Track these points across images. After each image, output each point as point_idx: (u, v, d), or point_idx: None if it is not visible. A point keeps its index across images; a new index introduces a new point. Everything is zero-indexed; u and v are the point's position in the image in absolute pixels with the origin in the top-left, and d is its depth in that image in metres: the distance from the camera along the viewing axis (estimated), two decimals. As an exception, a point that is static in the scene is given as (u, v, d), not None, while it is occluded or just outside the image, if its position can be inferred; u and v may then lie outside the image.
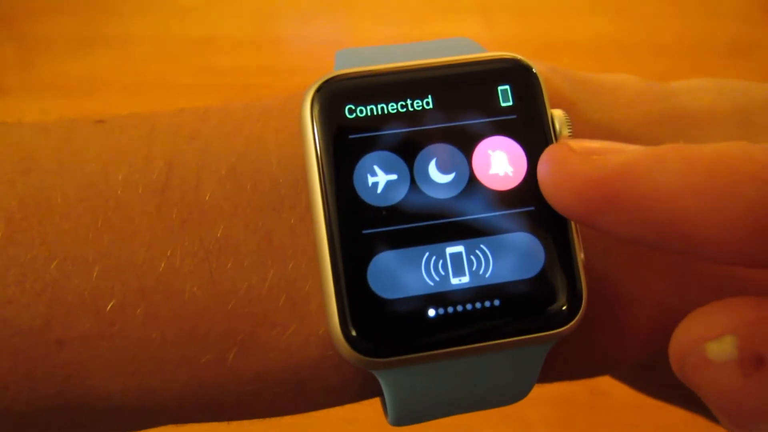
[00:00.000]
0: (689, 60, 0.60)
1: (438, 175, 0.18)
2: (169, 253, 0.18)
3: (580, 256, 0.18)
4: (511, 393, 0.18)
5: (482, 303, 0.17)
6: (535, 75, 0.19)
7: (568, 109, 0.20)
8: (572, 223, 0.18)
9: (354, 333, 0.17)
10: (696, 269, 0.20)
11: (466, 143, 0.18)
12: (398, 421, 0.18)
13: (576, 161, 0.17)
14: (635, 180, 0.16)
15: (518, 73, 0.19)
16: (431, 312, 0.17)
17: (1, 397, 0.17)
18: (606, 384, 0.45)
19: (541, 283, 0.17)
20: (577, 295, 0.18)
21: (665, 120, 0.22)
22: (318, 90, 0.18)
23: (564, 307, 0.17)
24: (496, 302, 0.17)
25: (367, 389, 0.19)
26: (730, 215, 0.15)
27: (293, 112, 0.19)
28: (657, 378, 0.24)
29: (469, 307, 0.17)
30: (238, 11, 0.61)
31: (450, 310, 0.17)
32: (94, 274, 0.17)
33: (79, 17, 0.61)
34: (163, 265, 0.18)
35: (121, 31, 0.60)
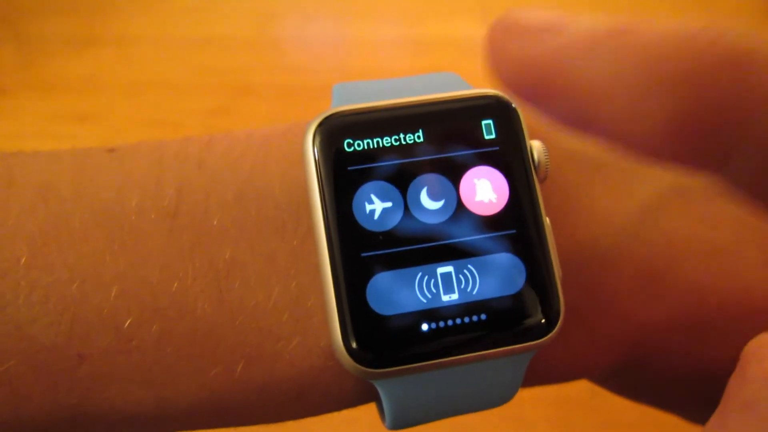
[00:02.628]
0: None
1: (429, 202, 0.20)
2: (181, 274, 0.19)
3: (558, 273, 0.20)
4: (497, 397, 0.20)
5: (470, 317, 0.19)
6: (514, 110, 0.21)
7: (544, 137, 0.21)
8: (552, 244, 0.20)
9: (355, 346, 0.18)
10: (663, 279, 0.22)
11: (454, 173, 0.20)
12: (395, 426, 0.20)
13: (513, 41, 0.19)
14: (564, 67, 0.17)
15: (499, 109, 0.21)
16: (424, 326, 0.19)
17: (25, 408, 0.18)
18: (606, 384, 0.45)
19: (522, 298, 0.19)
20: (555, 309, 0.19)
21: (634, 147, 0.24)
22: (320, 125, 0.20)
23: (543, 320, 0.19)
24: (483, 316, 0.19)
25: (364, 396, 0.20)
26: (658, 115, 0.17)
27: (293, 141, 0.21)
28: (631, 380, 0.26)
29: (458, 321, 0.19)
30: (238, 11, 0.61)
31: (441, 324, 0.19)
32: (112, 294, 0.18)
33: (79, 17, 0.61)
34: (176, 285, 0.19)
35: (121, 31, 0.60)
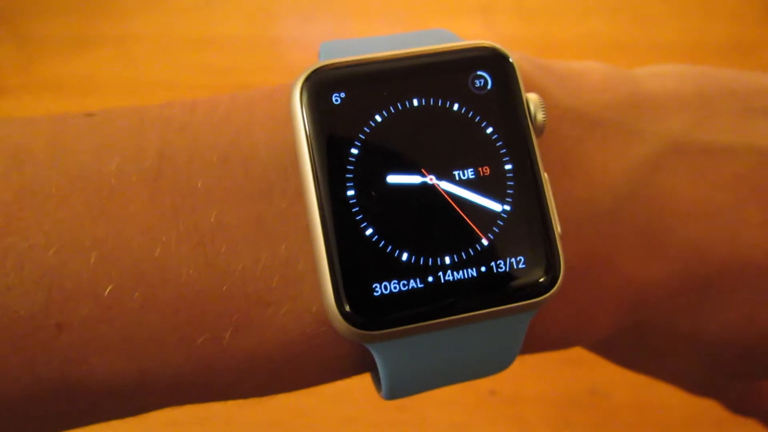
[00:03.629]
0: (689, 60, 0.59)
1: (423, 158, 0.19)
2: (164, 239, 0.18)
3: (558, 229, 0.19)
4: (497, 361, 0.20)
5: (467, 275, 0.19)
6: (510, 62, 0.20)
7: (539, 93, 0.21)
8: (550, 199, 0.19)
9: (348, 308, 0.18)
10: (662, 239, 0.22)
11: (449, 126, 0.19)
12: (391, 394, 0.19)
13: None
14: None
15: (495, 61, 0.20)
16: (420, 285, 0.18)
17: (2, 382, 0.17)
18: (606, 384, 0.45)
19: (521, 254, 0.19)
20: (555, 266, 0.19)
21: (631, 103, 0.23)
22: (306, 79, 0.19)
23: (543, 277, 0.19)
24: (481, 274, 0.19)
25: (360, 363, 0.20)
26: None
27: (279, 102, 0.20)
28: (631, 345, 0.25)
29: (455, 278, 0.18)
30: (238, 11, 0.61)
31: (438, 283, 0.18)
32: (92, 260, 0.18)
33: (79, 17, 0.61)
34: (158, 250, 0.18)
35: (121, 31, 0.60)
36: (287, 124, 0.19)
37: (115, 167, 0.19)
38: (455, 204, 0.19)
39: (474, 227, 0.19)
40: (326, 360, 0.19)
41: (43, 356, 0.17)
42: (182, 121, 0.20)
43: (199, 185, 0.19)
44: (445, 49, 0.20)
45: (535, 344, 0.21)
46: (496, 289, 0.19)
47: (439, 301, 0.18)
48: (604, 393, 0.46)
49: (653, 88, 0.24)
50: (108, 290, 0.18)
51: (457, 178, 0.19)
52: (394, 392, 0.19)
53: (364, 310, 0.18)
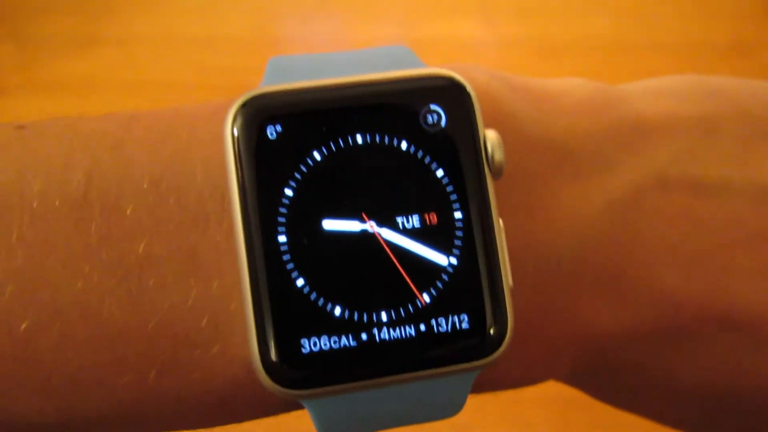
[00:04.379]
0: (689, 60, 0.60)
1: (362, 201, 0.17)
2: (86, 271, 0.17)
3: (509, 283, 0.18)
4: (441, 412, 0.18)
5: (405, 335, 0.17)
6: (468, 95, 0.18)
7: (505, 121, 0.19)
8: (503, 251, 0.18)
9: (274, 365, 0.17)
10: (632, 284, 0.20)
11: (393, 167, 0.18)
12: None
13: None
14: None
15: (451, 93, 0.18)
16: (353, 342, 0.17)
17: None
18: (606, 384, 0.44)
19: (465, 312, 0.17)
20: (501, 326, 0.17)
21: (613, 131, 0.21)
22: (242, 107, 0.17)
23: (487, 339, 0.17)
24: (420, 332, 0.17)
25: (294, 405, 0.18)
26: None
27: (222, 123, 0.18)
28: (596, 385, 0.23)
29: (391, 336, 0.17)
30: (238, 11, 0.61)
31: (372, 341, 0.17)
32: (7, 293, 0.17)
33: (79, 17, 0.61)
34: (80, 284, 0.17)
35: (121, 31, 0.60)
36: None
37: (37, 189, 0.17)
38: (397, 255, 0.17)
39: (414, 283, 0.17)
40: (259, 402, 0.18)
41: None
42: (116, 137, 0.18)
43: (128, 212, 0.17)
44: (397, 78, 0.18)
45: (497, 384, 0.20)
46: (435, 350, 0.17)
47: (373, 361, 0.17)
48: (604, 393, 0.46)
49: (645, 111, 0.21)
50: (23, 326, 0.16)
51: (400, 226, 0.17)
52: None
53: (291, 368, 0.17)
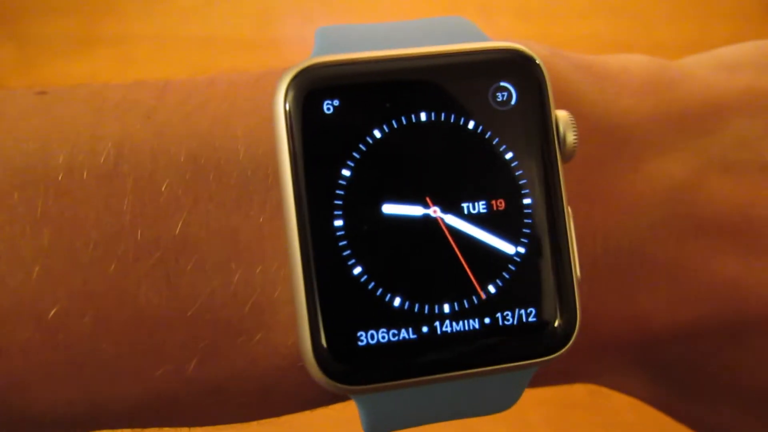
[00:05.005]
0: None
1: (426, 184, 0.16)
2: (120, 253, 0.15)
3: (577, 275, 0.17)
4: (493, 408, 0.17)
5: (468, 328, 0.16)
6: (540, 71, 0.16)
7: (567, 101, 0.18)
8: (572, 240, 0.16)
9: (327, 359, 0.15)
10: (693, 276, 0.19)
11: (458, 148, 0.16)
12: (373, 431, 0.17)
13: None
14: None
15: (523, 69, 0.16)
16: (412, 336, 0.16)
17: None
18: (606, 384, 0.44)
19: (532, 306, 0.16)
20: (570, 321, 0.16)
21: (676, 112, 0.19)
22: (294, 79, 0.16)
23: (555, 334, 0.16)
24: (485, 327, 0.16)
25: (340, 396, 0.17)
26: None
27: (267, 90, 0.17)
28: (650, 387, 0.22)
29: (453, 331, 0.16)
30: (238, 11, 0.61)
31: (433, 334, 0.16)
32: (33, 276, 0.15)
33: (79, 17, 0.61)
34: (113, 266, 0.15)
35: (121, 31, 0.60)
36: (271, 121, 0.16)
37: (63, 160, 0.15)
38: (461, 243, 0.16)
39: (479, 273, 0.16)
40: (302, 394, 0.17)
41: None
42: (149, 106, 0.16)
43: (163, 188, 0.16)
44: (464, 50, 0.16)
45: (535, 380, 0.18)
46: (499, 345, 0.16)
47: (434, 356, 0.16)
48: (604, 393, 0.46)
49: (715, 86, 0.20)
50: (53, 312, 0.15)
51: (465, 212, 0.16)
52: (376, 431, 0.17)
53: (346, 362, 0.15)
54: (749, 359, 0.19)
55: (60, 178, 0.15)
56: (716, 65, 0.21)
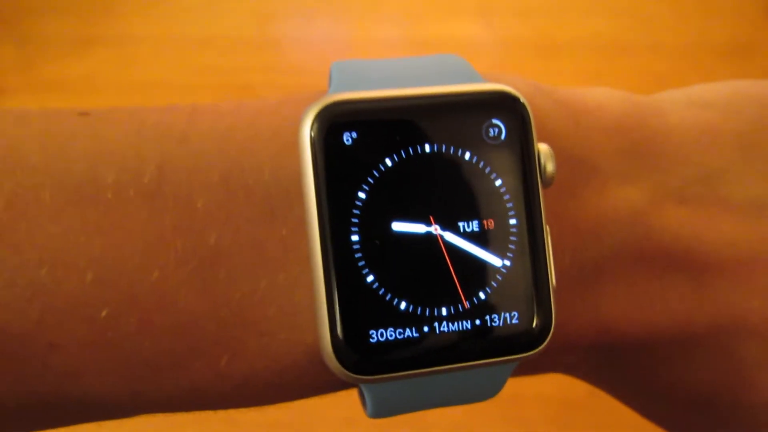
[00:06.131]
0: (689, 60, 0.60)
1: (430, 205, 0.19)
2: (162, 261, 0.18)
3: (553, 283, 0.19)
4: (481, 395, 0.20)
5: (462, 328, 0.19)
6: (527, 111, 0.19)
7: (549, 136, 0.20)
8: (549, 254, 0.19)
9: (344, 353, 0.18)
10: (645, 293, 0.21)
11: (456, 174, 0.19)
12: (376, 417, 0.19)
13: None
14: None
15: (511, 110, 0.19)
16: (416, 335, 0.18)
17: None
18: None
19: (516, 309, 0.19)
20: (547, 322, 0.19)
21: (642, 147, 0.22)
22: (320, 113, 0.18)
23: (535, 334, 0.19)
24: (476, 327, 0.19)
25: (347, 384, 0.20)
26: None
27: (287, 118, 0.19)
28: (604, 375, 0.24)
29: (450, 330, 0.19)
30: (238, 11, 0.61)
31: (433, 333, 0.19)
32: (87, 281, 0.17)
33: (79, 17, 0.61)
34: (156, 273, 0.17)
35: (121, 31, 0.60)
36: (293, 144, 0.19)
37: (112, 180, 0.18)
38: (456, 256, 0.19)
39: (471, 282, 0.19)
40: (315, 384, 0.19)
41: (35, 372, 0.17)
42: (182, 130, 0.19)
43: (199, 205, 0.18)
44: (462, 92, 0.19)
45: (513, 372, 0.21)
46: (488, 343, 0.19)
47: (432, 351, 0.19)
48: (604, 393, 0.46)
49: (681, 124, 0.22)
50: (103, 314, 0.17)
51: (461, 229, 0.19)
52: (378, 416, 0.19)
53: (360, 356, 0.18)
54: (696, 369, 0.22)
55: (109, 196, 0.18)
56: (687, 102, 0.23)
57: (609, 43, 0.60)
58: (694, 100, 0.23)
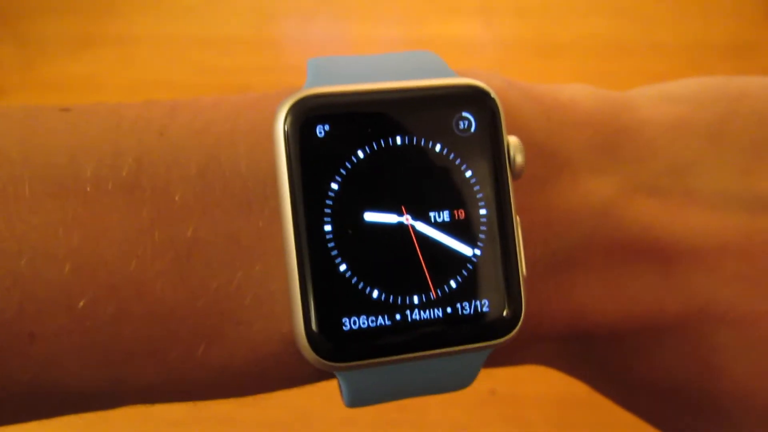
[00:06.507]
0: (688, 60, 0.60)
1: (399, 195, 0.19)
2: (139, 252, 0.18)
3: (523, 273, 0.20)
4: (454, 386, 0.20)
5: (434, 316, 0.19)
6: (496, 104, 0.20)
7: (520, 129, 0.21)
8: (519, 244, 0.20)
9: (318, 341, 0.18)
10: (617, 282, 0.22)
11: (427, 165, 0.19)
12: (352, 405, 0.20)
13: None
14: None
15: (481, 103, 0.20)
16: (388, 321, 0.19)
17: None
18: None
19: (487, 297, 0.19)
20: (517, 310, 0.20)
21: (612, 140, 0.22)
22: (293, 107, 0.19)
23: (505, 321, 0.19)
24: (446, 313, 0.19)
25: (325, 375, 0.20)
26: None
27: (263, 113, 0.19)
28: (580, 363, 0.25)
29: (421, 317, 0.19)
30: (238, 11, 0.61)
31: (405, 321, 0.19)
32: (66, 271, 0.17)
33: (79, 17, 0.61)
34: (134, 263, 0.18)
35: (121, 31, 0.60)
36: (269, 138, 0.19)
37: (90, 173, 0.18)
38: (427, 245, 0.19)
39: (442, 271, 0.19)
40: (291, 374, 0.20)
41: (16, 361, 0.17)
42: (161, 124, 0.19)
43: (177, 198, 0.18)
44: (433, 86, 0.20)
45: (487, 362, 0.22)
46: (459, 330, 0.19)
47: (405, 338, 0.19)
48: (604, 393, 0.46)
49: (651, 118, 0.23)
50: (82, 303, 0.17)
51: (432, 220, 0.19)
52: (355, 404, 0.20)
53: (333, 343, 0.18)
54: (667, 358, 0.22)
55: (88, 188, 0.18)
56: (658, 97, 0.23)
57: (609, 43, 0.60)
58: (665, 95, 0.23)
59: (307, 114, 0.19)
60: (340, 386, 0.20)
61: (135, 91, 0.57)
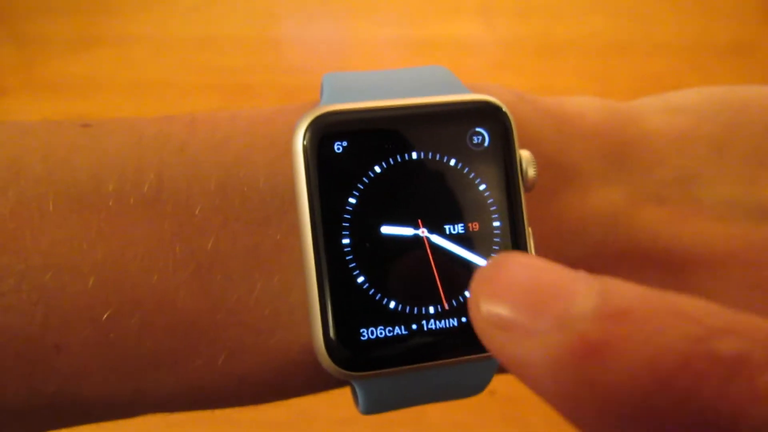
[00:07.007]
0: (688, 60, 0.60)
1: (417, 210, 0.20)
2: (161, 265, 0.18)
3: None
4: (470, 390, 0.20)
5: (449, 325, 0.19)
6: (508, 119, 0.20)
7: (531, 143, 0.21)
8: (532, 253, 0.20)
9: (336, 351, 0.19)
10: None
11: (442, 180, 0.20)
12: (368, 413, 0.20)
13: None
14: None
15: (494, 118, 0.20)
16: (405, 332, 0.19)
17: (2, 393, 0.18)
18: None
19: None
20: None
21: (620, 152, 0.23)
22: (311, 124, 0.19)
23: None
24: (462, 325, 0.19)
25: (341, 382, 0.20)
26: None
27: (280, 127, 0.20)
28: None
29: (437, 328, 0.19)
30: (238, 11, 0.61)
31: (421, 330, 0.19)
32: (90, 284, 0.18)
33: (79, 17, 0.61)
34: (156, 276, 0.18)
35: (121, 31, 0.60)
36: (286, 153, 0.19)
37: (113, 189, 0.19)
38: (442, 257, 0.20)
39: (457, 281, 0.19)
40: (309, 382, 0.20)
41: (42, 373, 0.18)
42: (181, 140, 0.20)
43: (197, 212, 0.19)
44: (447, 102, 0.20)
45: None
46: (473, 339, 0.19)
47: (421, 348, 0.19)
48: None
49: (657, 129, 0.23)
50: (106, 315, 0.18)
51: (447, 232, 0.20)
52: (370, 412, 0.20)
53: (351, 353, 0.19)
54: None
55: (111, 204, 0.18)
56: (662, 108, 0.24)
57: (609, 43, 0.60)
58: (670, 107, 0.24)
59: (325, 131, 0.19)
60: (354, 393, 0.20)
61: (135, 91, 0.57)
